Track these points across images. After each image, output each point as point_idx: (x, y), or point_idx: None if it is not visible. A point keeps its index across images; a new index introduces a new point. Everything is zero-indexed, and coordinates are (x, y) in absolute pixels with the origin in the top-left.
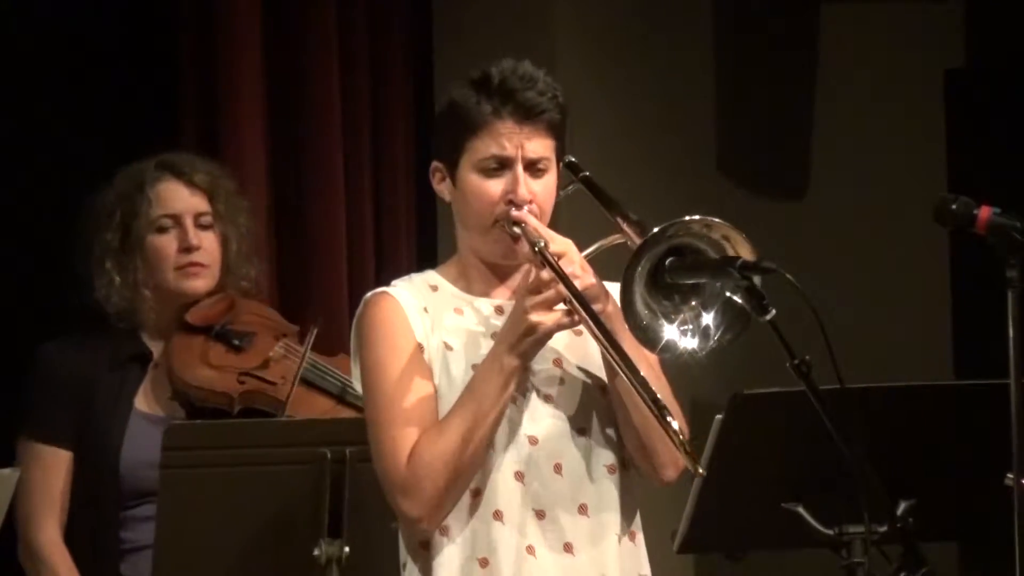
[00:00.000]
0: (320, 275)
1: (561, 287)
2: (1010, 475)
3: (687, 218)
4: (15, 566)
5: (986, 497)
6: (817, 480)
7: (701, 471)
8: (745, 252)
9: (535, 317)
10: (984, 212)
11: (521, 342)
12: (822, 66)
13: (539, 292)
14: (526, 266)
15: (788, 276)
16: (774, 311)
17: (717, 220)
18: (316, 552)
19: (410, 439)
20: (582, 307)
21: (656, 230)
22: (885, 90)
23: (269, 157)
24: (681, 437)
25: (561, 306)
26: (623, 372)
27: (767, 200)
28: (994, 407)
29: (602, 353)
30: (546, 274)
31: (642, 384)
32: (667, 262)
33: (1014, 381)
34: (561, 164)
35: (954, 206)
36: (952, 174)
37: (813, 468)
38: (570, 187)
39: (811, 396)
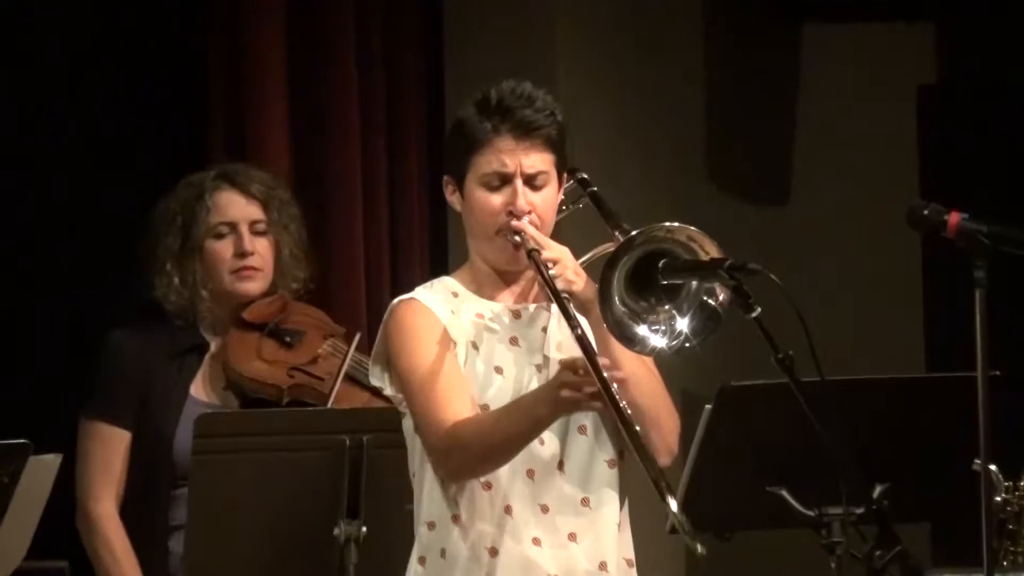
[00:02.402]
0: (338, 281)
1: (596, 381)
2: (977, 461)
3: (653, 226)
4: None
5: (955, 481)
6: (799, 466)
7: (700, 550)
8: (712, 250)
9: (565, 394)
10: (954, 218)
11: (551, 406)
12: (804, 81)
13: (576, 374)
14: (531, 272)
15: (772, 276)
16: (759, 309)
17: (679, 225)
18: (336, 531)
19: (448, 414)
20: (609, 398)
21: (631, 233)
22: (862, 104)
23: (292, 173)
24: (680, 519)
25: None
26: (634, 450)
27: (753, 206)
28: (963, 398)
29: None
30: (581, 362)
31: (652, 466)
32: (660, 263)
33: (980, 374)
34: (571, 179)
35: (926, 212)
36: (924, 182)
37: (796, 455)
38: (580, 201)
39: (794, 388)
